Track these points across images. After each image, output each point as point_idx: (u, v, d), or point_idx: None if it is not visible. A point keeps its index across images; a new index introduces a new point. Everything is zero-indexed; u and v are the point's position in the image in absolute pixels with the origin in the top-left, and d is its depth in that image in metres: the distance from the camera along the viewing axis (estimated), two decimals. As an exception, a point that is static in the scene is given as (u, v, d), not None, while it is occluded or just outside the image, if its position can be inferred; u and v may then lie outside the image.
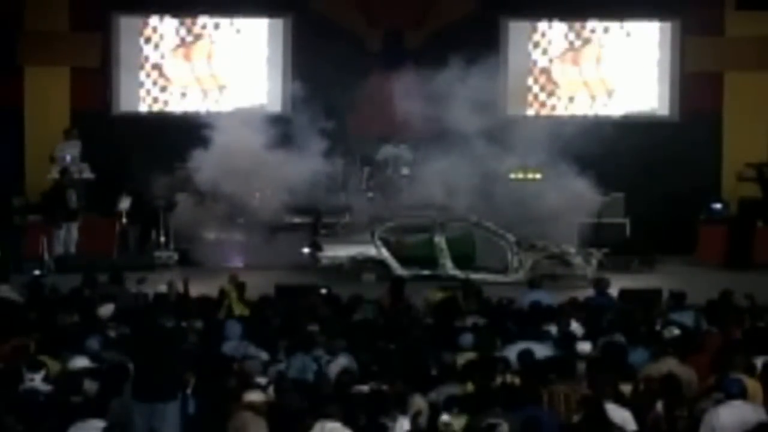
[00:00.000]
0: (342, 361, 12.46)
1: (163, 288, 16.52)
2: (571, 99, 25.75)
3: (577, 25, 25.55)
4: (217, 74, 25.58)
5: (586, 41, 25.69)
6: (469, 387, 11.34)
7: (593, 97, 25.74)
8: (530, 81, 25.74)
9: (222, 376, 11.58)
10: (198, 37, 25.54)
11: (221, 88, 25.56)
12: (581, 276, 20.66)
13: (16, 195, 23.02)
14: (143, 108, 25.55)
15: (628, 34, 25.68)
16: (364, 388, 11.35)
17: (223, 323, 14.15)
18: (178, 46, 25.54)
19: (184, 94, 25.56)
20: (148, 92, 25.53)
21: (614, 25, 25.64)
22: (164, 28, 25.50)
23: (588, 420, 10.21)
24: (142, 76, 25.45)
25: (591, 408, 10.37)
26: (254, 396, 10.81)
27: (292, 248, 21.49)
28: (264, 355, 12.85)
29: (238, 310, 15.55)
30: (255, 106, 25.43)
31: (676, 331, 13.22)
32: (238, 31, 25.57)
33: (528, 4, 25.13)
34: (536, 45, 25.73)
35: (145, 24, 25.46)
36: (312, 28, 24.72)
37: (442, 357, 12.32)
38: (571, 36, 25.66)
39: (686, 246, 23.45)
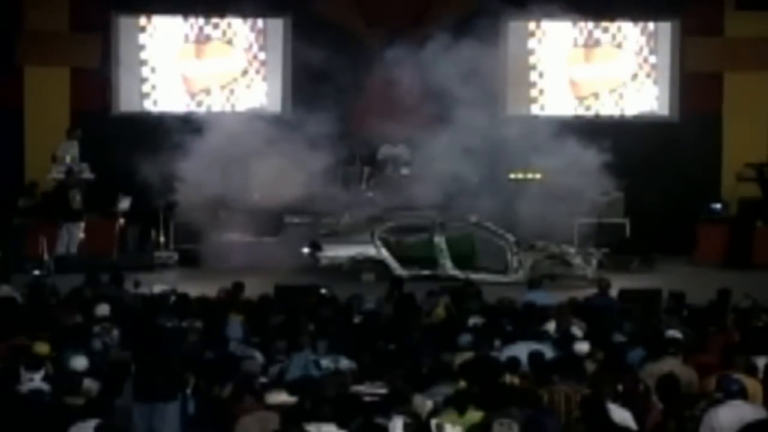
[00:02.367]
0: (338, 362, 12.47)
1: (163, 288, 16.50)
2: (571, 99, 25.76)
3: (578, 25, 25.55)
4: (216, 74, 25.59)
5: (587, 41, 25.70)
6: (461, 385, 11.32)
7: (593, 97, 25.74)
8: (530, 80, 25.75)
9: (228, 376, 11.56)
10: (198, 37, 25.55)
11: (221, 88, 25.57)
12: (581, 276, 20.66)
13: (22, 196, 23.01)
14: (143, 108, 25.56)
15: (629, 34, 25.69)
16: (363, 388, 11.34)
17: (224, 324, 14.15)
18: (178, 46, 25.54)
19: (184, 95, 25.57)
20: (148, 92, 25.54)
21: (614, 25, 25.65)
22: (164, 28, 25.51)
23: (589, 421, 10.16)
24: (141, 76, 25.46)
25: (592, 408, 10.32)
26: (281, 397, 10.78)
27: (291, 248, 21.49)
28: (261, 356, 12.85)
29: None
30: (255, 106, 25.45)
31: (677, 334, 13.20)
32: (237, 31, 25.58)
33: (528, 3, 25.11)
34: (536, 45, 25.74)
35: (145, 24, 25.47)
36: (312, 28, 24.71)
37: (441, 357, 12.32)
38: (572, 36, 25.66)
39: (686, 246, 23.45)
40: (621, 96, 25.74)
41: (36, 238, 21.48)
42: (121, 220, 22.47)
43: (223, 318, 14.38)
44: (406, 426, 10.28)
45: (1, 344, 12.95)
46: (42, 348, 12.41)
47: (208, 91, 25.54)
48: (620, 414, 10.53)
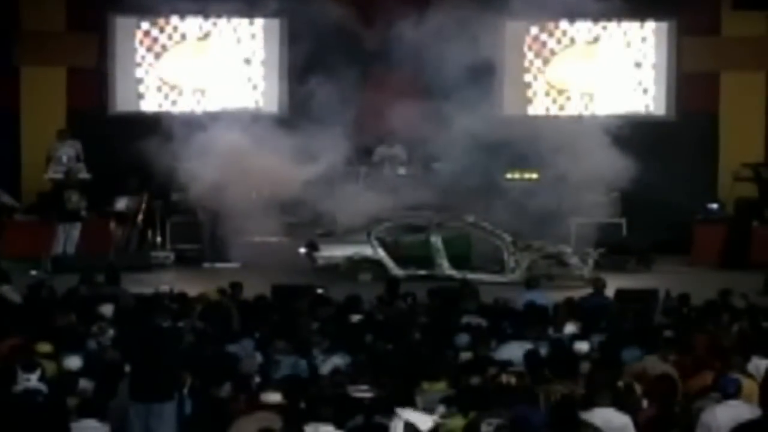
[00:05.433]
0: (336, 362, 12.46)
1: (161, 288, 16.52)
2: (568, 98, 25.76)
3: (575, 25, 25.54)
4: (213, 74, 25.57)
5: (584, 41, 25.70)
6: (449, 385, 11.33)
7: (590, 97, 25.74)
8: (527, 80, 25.75)
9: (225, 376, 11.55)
10: (195, 37, 25.53)
11: (218, 88, 25.54)
12: (578, 276, 20.66)
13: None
14: (140, 108, 25.54)
15: (625, 34, 25.70)
16: (360, 388, 11.34)
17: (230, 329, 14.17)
18: (175, 46, 25.52)
19: (180, 94, 25.55)
20: (145, 92, 25.52)
21: (611, 25, 25.65)
22: (161, 28, 25.48)
23: (557, 417, 10.01)
24: (138, 76, 25.45)
25: (562, 405, 10.22)
26: (274, 397, 10.79)
27: (288, 248, 21.48)
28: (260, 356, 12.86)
29: None
30: (252, 106, 25.44)
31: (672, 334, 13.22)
32: (235, 30, 25.56)
33: (526, 3, 25.08)
34: (534, 44, 25.74)
35: (142, 24, 25.45)
36: (310, 27, 24.67)
37: (440, 357, 12.33)
38: (569, 36, 25.66)
39: (683, 246, 23.45)
40: (617, 95, 25.73)
41: (34, 238, 21.52)
42: (119, 220, 22.49)
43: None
44: (407, 426, 10.28)
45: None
46: (44, 348, 12.42)
47: (204, 91, 25.53)
48: (619, 419, 10.45)
